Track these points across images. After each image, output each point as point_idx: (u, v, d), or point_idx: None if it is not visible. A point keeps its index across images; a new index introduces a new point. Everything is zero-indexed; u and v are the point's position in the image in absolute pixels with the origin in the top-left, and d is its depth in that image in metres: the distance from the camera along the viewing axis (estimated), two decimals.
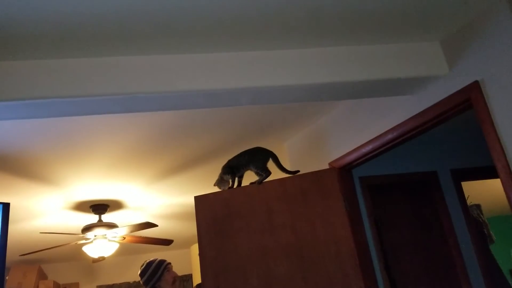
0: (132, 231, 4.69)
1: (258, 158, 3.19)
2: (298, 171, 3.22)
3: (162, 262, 3.35)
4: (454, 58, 2.53)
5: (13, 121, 2.86)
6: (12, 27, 1.99)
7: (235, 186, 3.24)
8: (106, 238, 4.80)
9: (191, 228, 5.95)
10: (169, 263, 3.38)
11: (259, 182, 3.18)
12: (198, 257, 3.28)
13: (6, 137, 3.11)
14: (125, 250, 5.99)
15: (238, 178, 3.27)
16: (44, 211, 4.68)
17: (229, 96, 2.49)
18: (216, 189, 3.31)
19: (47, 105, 2.29)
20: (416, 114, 2.70)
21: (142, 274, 3.30)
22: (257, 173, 3.21)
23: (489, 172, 4.27)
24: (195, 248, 6.89)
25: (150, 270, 3.28)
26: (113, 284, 6.90)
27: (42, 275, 6.35)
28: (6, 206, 3.51)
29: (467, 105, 2.47)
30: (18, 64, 2.21)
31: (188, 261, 6.98)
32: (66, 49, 2.20)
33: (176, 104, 2.54)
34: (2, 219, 3.42)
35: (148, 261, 3.36)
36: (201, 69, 2.37)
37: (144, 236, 5.11)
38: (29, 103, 2.23)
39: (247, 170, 3.24)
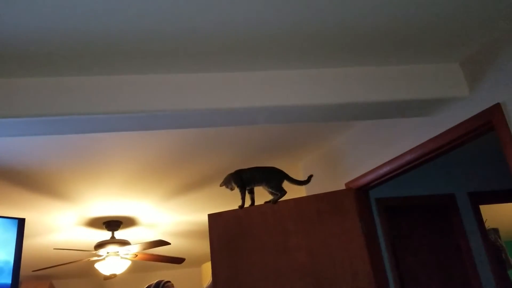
0: (144, 249, 4.66)
1: (274, 177, 3.14)
2: (311, 175, 3.19)
3: (159, 282, 3.29)
4: (475, 80, 2.50)
5: (29, 137, 2.88)
6: (31, 45, 2.00)
7: (248, 204, 3.17)
8: (118, 255, 4.77)
9: (202, 246, 5.92)
10: (168, 282, 3.32)
11: (274, 201, 3.14)
12: (209, 276, 3.23)
13: (23, 153, 3.13)
14: (136, 267, 5.95)
15: (250, 194, 3.19)
16: (58, 227, 4.68)
17: (246, 115, 2.48)
18: (227, 207, 3.27)
19: (65, 122, 2.30)
20: (436, 136, 2.66)
21: None
22: (271, 192, 3.17)
23: (507, 196, 4.22)
24: (206, 267, 6.83)
25: None
26: None
27: None
28: (22, 221, 3.52)
29: (488, 128, 2.43)
30: (36, 81, 2.23)
31: (198, 280, 6.93)
32: (84, 67, 2.22)
33: (193, 122, 2.54)
34: (17, 234, 3.42)
35: (146, 286, 3.32)
36: (219, 88, 2.37)
37: (156, 254, 5.08)
38: (46, 120, 2.24)
39: (259, 186, 3.18)
